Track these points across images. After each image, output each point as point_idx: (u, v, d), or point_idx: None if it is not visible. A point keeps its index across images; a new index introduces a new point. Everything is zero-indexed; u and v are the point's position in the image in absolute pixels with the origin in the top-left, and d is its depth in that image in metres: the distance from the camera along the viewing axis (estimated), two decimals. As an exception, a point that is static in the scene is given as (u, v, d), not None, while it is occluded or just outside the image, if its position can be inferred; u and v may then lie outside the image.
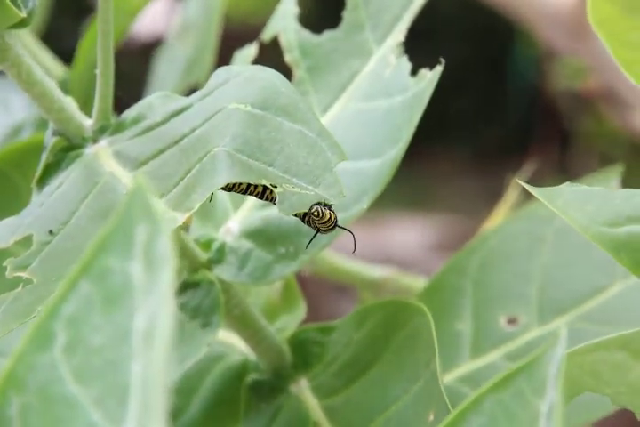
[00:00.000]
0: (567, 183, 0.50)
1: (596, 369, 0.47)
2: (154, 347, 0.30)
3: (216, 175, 0.49)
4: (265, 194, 0.53)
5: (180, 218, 0.48)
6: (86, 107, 0.59)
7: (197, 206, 0.48)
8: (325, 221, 0.52)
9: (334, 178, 0.48)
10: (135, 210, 0.32)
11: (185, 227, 0.55)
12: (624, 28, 0.48)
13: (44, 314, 0.32)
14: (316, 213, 0.51)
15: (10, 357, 0.32)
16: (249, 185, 0.52)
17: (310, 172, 0.48)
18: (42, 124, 0.86)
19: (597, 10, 0.48)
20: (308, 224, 0.53)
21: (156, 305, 0.30)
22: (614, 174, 0.79)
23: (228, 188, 0.52)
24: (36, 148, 0.59)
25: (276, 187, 0.49)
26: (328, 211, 0.52)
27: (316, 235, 0.54)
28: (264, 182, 0.49)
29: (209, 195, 0.48)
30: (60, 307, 0.32)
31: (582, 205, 0.48)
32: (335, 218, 0.52)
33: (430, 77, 0.60)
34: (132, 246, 0.32)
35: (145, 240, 0.31)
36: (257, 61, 0.70)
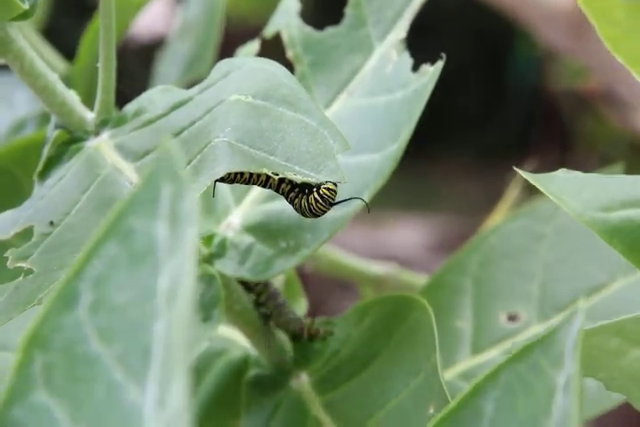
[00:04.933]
0: (562, 170, 0.50)
1: (590, 354, 0.48)
2: (176, 306, 0.30)
3: (217, 165, 0.49)
4: (268, 182, 0.53)
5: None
6: (88, 102, 0.59)
7: (197, 195, 0.48)
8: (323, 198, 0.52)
9: (336, 164, 0.48)
10: (161, 172, 0.32)
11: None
12: (608, 6, 0.48)
13: (70, 274, 0.32)
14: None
15: (35, 316, 0.32)
16: (251, 175, 0.52)
17: (312, 159, 0.48)
18: (44, 120, 0.86)
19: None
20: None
21: (179, 265, 0.30)
22: (614, 174, 0.79)
23: (231, 179, 0.52)
24: (39, 145, 0.60)
25: (277, 175, 0.50)
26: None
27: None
28: (265, 171, 0.49)
29: (210, 184, 0.49)
30: (85, 267, 0.32)
31: (577, 191, 0.48)
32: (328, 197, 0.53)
33: (432, 73, 0.61)
34: (157, 206, 0.32)
35: (170, 200, 0.31)
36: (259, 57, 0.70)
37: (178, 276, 0.30)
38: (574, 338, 0.36)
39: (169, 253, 0.31)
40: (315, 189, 0.52)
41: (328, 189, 0.52)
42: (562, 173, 0.49)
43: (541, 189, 0.48)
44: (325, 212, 0.53)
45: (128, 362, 0.31)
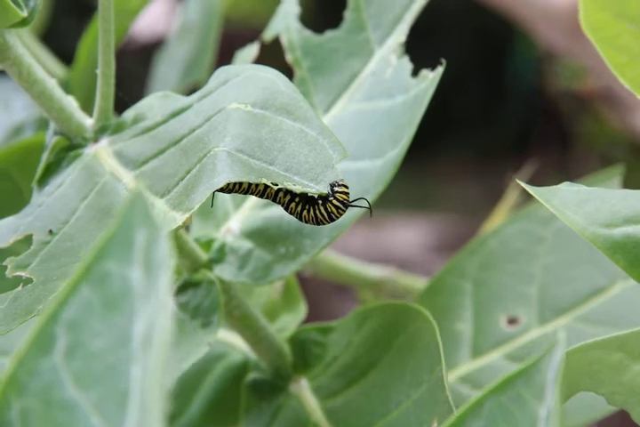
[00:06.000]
0: (566, 183, 0.50)
1: (592, 369, 0.47)
2: (152, 351, 0.30)
3: (216, 175, 0.49)
4: (266, 192, 0.52)
5: (180, 218, 0.48)
6: (87, 107, 0.59)
7: (197, 206, 0.48)
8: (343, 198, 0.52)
9: (335, 175, 0.48)
10: (134, 215, 0.32)
11: (184, 226, 0.55)
12: (615, 33, 0.48)
13: (45, 318, 0.32)
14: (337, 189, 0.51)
15: (11, 360, 0.32)
16: (250, 185, 0.52)
17: (311, 169, 0.48)
18: (42, 124, 0.86)
19: (589, 16, 0.48)
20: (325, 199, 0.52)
21: (154, 310, 0.30)
22: (615, 175, 0.78)
23: (229, 189, 0.52)
24: (38, 147, 0.59)
25: (276, 185, 0.49)
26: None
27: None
28: (265, 181, 0.49)
29: (209, 195, 0.48)
30: (60, 311, 0.32)
31: (580, 205, 0.48)
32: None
33: (432, 78, 0.60)
34: (131, 251, 0.32)
35: (144, 245, 0.32)
36: (258, 61, 0.70)
37: (153, 321, 0.31)
38: (555, 369, 0.36)
39: (144, 298, 0.31)
40: (330, 198, 0.51)
41: (343, 192, 0.51)
42: (565, 186, 0.49)
43: (544, 203, 0.48)
44: (342, 215, 0.53)
45: (105, 408, 0.31)
